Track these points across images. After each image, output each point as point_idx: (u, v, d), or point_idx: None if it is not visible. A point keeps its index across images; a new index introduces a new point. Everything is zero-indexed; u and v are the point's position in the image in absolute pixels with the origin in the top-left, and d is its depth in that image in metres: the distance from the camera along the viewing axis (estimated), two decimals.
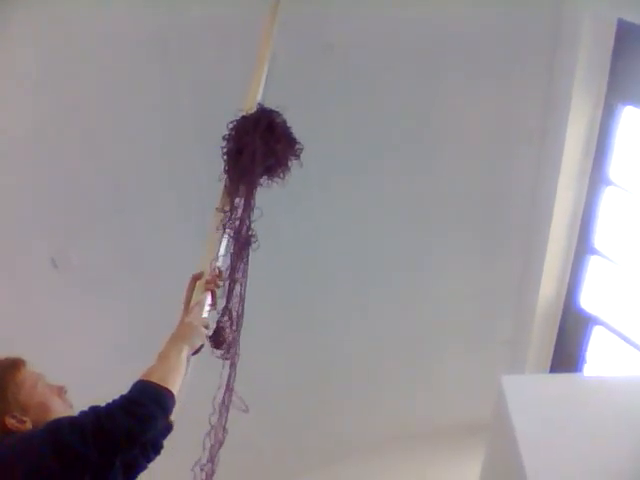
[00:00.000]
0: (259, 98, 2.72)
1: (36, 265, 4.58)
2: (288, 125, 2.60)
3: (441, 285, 5.76)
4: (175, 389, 1.88)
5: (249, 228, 2.43)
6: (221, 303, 2.33)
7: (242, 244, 2.38)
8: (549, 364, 5.96)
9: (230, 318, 2.29)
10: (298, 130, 2.59)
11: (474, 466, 4.46)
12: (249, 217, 2.43)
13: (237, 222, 2.41)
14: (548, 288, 5.59)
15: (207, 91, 4.37)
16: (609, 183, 4.96)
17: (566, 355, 5.80)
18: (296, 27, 3.73)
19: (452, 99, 4.75)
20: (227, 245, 2.40)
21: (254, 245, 2.42)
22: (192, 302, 2.23)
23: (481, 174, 5.14)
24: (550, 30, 4.44)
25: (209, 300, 2.27)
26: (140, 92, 4.28)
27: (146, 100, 4.34)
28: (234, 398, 2.21)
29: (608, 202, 5.05)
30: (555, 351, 5.91)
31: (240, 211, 2.43)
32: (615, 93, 4.54)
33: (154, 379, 1.85)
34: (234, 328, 2.32)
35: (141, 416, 1.75)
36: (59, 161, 4.32)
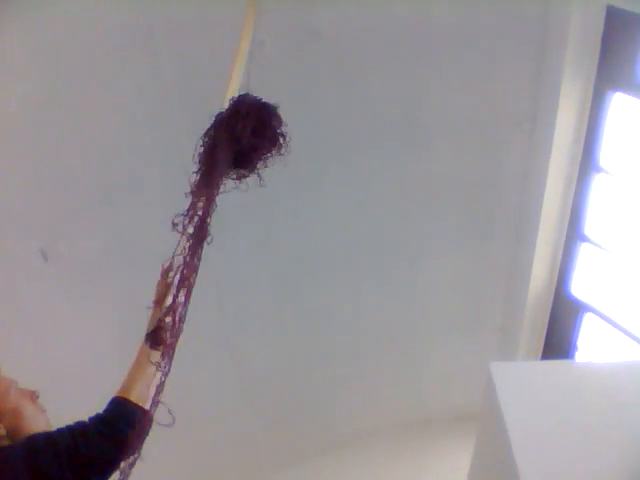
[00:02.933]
0: (239, 86, 2.64)
1: (25, 258, 4.56)
2: (272, 114, 2.50)
3: (431, 272, 5.76)
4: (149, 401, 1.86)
5: (206, 225, 2.26)
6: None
7: (196, 242, 2.21)
8: (540, 351, 5.98)
9: (173, 320, 2.07)
10: (286, 118, 2.55)
11: (465, 453, 4.46)
12: (208, 214, 2.28)
13: (194, 219, 2.25)
14: (539, 275, 5.60)
15: (195, 82, 4.34)
16: (599, 170, 4.95)
17: (557, 342, 5.82)
18: (283, 14, 3.70)
19: (441, 86, 4.73)
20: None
21: (208, 239, 2.22)
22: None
23: (471, 161, 5.12)
24: (539, 16, 4.42)
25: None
26: (126, 75, 4.23)
27: (132, 84, 4.30)
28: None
29: (598, 189, 5.04)
30: (546, 338, 5.92)
31: (200, 206, 2.27)
32: (605, 79, 4.52)
33: (133, 396, 1.83)
34: (173, 332, 2.08)
35: (117, 441, 1.74)
36: (44, 151, 4.28)
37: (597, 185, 5.03)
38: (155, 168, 4.62)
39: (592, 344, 5.52)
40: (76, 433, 1.74)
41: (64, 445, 1.71)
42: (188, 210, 2.20)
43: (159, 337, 2.04)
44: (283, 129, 2.51)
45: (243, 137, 2.39)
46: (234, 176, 2.48)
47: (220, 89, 2.60)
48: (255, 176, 2.52)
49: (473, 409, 4.33)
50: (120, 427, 1.76)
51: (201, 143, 2.41)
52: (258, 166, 2.51)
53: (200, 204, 2.22)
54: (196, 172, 2.34)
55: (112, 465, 1.75)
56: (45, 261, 4.54)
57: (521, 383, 3.48)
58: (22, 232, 4.44)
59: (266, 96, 2.54)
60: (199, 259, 2.16)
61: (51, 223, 4.54)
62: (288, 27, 4.07)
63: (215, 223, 2.24)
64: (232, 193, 2.43)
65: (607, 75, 4.48)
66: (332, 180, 5.11)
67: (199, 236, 2.16)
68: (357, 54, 4.46)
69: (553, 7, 4.37)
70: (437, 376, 6.47)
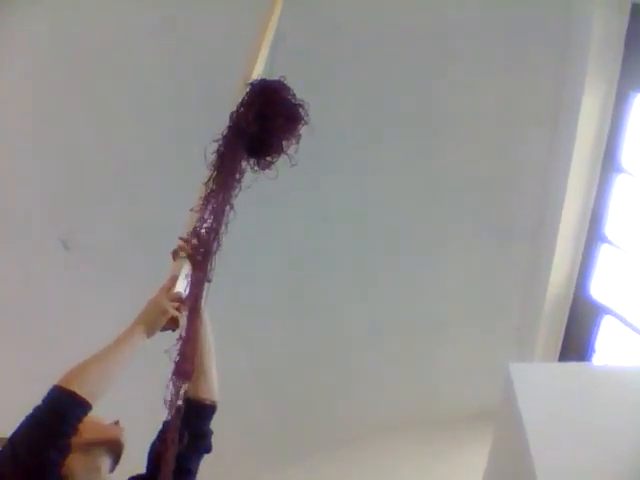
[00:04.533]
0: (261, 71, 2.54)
1: (47, 248, 4.60)
2: (278, 88, 2.38)
3: (449, 270, 5.74)
4: (99, 386, 1.76)
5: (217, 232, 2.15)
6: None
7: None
8: (558, 352, 5.94)
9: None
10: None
11: (479, 453, 4.45)
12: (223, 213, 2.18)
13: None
14: (558, 275, 5.56)
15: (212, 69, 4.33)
16: (621, 170, 4.91)
17: (575, 344, 5.78)
18: (304, 6, 3.69)
19: (463, 84, 4.71)
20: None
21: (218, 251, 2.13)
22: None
23: (491, 160, 5.10)
24: (563, 15, 4.39)
25: (186, 270, 2.03)
26: (143, 66, 4.24)
27: (150, 75, 4.31)
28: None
29: (620, 190, 5.00)
30: (564, 339, 5.88)
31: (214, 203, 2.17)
32: (628, 80, 4.49)
33: (74, 383, 1.71)
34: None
35: (41, 435, 1.66)
36: (62, 141, 4.31)
37: (618, 186, 4.99)
38: (172, 156, 4.62)
39: (610, 347, 5.48)
40: (12, 439, 1.67)
41: (6, 454, 1.66)
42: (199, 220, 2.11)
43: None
44: (296, 99, 2.38)
45: (249, 125, 2.29)
46: (261, 166, 2.39)
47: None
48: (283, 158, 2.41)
49: (489, 409, 4.32)
50: (44, 421, 1.67)
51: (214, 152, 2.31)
52: (285, 146, 2.39)
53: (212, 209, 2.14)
54: (209, 179, 2.23)
55: (46, 450, 1.65)
56: (66, 250, 4.57)
57: (540, 385, 3.46)
58: (43, 222, 4.48)
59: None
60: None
61: (70, 213, 4.57)
62: (309, 19, 4.05)
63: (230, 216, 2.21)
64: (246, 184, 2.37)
65: (630, 76, 4.45)
66: (349, 175, 5.11)
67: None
68: (379, 50, 4.44)
69: (576, 7, 4.34)
70: (453, 375, 6.44)
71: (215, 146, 2.31)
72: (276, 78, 2.42)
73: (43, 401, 1.69)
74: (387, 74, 4.62)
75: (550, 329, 5.91)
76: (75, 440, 1.77)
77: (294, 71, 2.39)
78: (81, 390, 1.70)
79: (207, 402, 2.02)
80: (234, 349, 5.51)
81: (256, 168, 2.38)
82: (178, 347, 1.91)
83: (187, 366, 1.89)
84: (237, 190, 2.26)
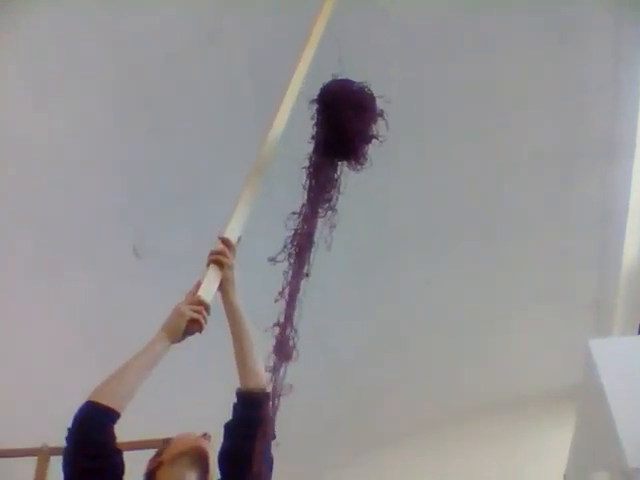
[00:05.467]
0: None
1: (118, 253, 4.71)
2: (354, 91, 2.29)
3: (520, 250, 5.65)
4: (121, 394, 1.83)
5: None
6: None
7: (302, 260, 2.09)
8: (637, 325, 5.80)
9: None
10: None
11: (560, 433, 4.40)
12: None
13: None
14: (632, 247, 5.43)
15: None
16: None
17: None
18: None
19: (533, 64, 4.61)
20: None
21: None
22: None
23: (557, 133, 4.98)
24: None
25: (215, 276, 2.07)
26: (199, 74, 4.29)
27: (205, 82, 4.35)
28: None
29: None
30: None
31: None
32: None
33: (98, 394, 1.80)
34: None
35: (69, 446, 1.76)
36: (127, 150, 4.40)
37: None
38: (231, 162, 4.67)
39: None
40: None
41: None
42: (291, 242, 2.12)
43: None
44: (354, 84, 2.31)
45: (328, 139, 2.25)
46: (356, 162, 2.32)
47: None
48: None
49: (569, 387, 4.26)
50: (72, 435, 1.77)
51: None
52: (369, 133, 2.32)
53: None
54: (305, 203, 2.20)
55: (79, 460, 1.76)
56: (137, 257, 4.68)
57: (622, 359, 3.40)
58: (114, 231, 4.59)
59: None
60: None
61: (138, 221, 4.67)
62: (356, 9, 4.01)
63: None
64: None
65: None
66: (409, 161, 5.06)
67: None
68: (432, 36, 4.38)
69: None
70: (532, 355, 6.35)
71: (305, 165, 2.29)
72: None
73: (73, 417, 1.78)
74: (442, 62, 4.55)
75: (627, 302, 5.79)
76: (164, 456, 1.98)
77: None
78: (104, 399, 1.78)
79: (256, 390, 2.02)
80: (304, 342, 5.55)
81: (353, 166, 2.35)
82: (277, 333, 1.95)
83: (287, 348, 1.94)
84: (334, 196, 2.26)
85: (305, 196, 2.21)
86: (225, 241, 2.11)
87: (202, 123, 4.53)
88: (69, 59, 3.97)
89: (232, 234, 2.15)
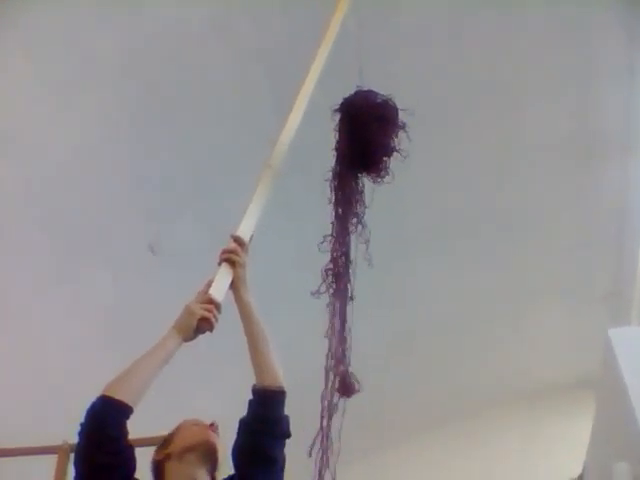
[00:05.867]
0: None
1: (133, 251, 4.72)
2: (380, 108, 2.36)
3: (538, 242, 5.62)
4: (134, 389, 1.81)
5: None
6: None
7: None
8: None
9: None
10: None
11: (581, 422, 4.38)
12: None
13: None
14: None
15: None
16: None
17: None
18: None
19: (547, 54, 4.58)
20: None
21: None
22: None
23: (573, 123, 4.93)
24: None
25: (226, 274, 2.08)
26: (213, 71, 4.28)
27: (219, 80, 4.35)
28: None
29: None
30: None
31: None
32: None
33: (111, 389, 1.78)
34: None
35: (82, 441, 1.77)
36: (143, 149, 4.41)
37: None
38: (246, 161, 4.66)
39: None
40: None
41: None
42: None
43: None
44: (377, 96, 2.36)
45: (352, 152, 2.29)
46: (378, 175, 2.39)
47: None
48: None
49: (588, 377, 4.23)
50: (84, 430, 1.78)
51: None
52: (392, 144, 2.39)
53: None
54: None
55: (97, 453, 1.75)
56: (154, 255, 4.69)
57: None
58: (130, 229, 4.60)
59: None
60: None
61: (152, 219, 4.68)
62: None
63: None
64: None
65: None
66: (426, 152, 5.03)
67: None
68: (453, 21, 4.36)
69: None
70: (549, 345, 6.33)
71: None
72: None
73: (86, 411, 1.78)
74: (460, 50, 4.53)
75: None
76: (171, 448, 1.96)
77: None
78: (118, 394, 1.77)
79: (273, 388, 2.01)
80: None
81: (374, 179, 2.36)
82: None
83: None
84: (362, 209, 2.26)
85: (333, 213, 2.21)
86: (237, 239, 2.12)
87: (218, 122, 4.53)
88: (83, 58, 3.98)
89: (244, 232, 2.15)
